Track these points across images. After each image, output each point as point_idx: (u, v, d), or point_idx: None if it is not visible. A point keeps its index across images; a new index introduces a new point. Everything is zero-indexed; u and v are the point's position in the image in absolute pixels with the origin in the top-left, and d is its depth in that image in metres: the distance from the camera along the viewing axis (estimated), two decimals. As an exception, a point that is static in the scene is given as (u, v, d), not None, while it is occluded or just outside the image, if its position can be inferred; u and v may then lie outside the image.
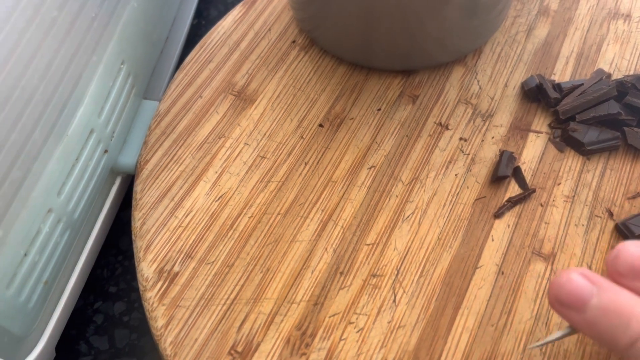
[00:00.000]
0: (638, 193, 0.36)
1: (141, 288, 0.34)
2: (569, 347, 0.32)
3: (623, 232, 0.35)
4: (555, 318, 0.32)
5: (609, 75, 0.42)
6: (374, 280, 0.34)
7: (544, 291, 0.33)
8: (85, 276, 0.40)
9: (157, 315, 0.33)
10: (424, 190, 0.37)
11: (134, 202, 0.38)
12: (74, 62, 0.35)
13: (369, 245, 0.35)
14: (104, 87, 0.38)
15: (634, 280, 0.25)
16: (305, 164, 0.39)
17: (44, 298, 0.35)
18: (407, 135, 0.40)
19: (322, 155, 0.39)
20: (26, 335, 0.34)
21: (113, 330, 0.43)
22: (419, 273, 0.34)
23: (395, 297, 0.33)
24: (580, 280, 0.25)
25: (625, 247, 0.25)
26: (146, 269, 0.35)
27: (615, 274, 0.25)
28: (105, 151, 0.39)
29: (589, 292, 0.24)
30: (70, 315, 0.40)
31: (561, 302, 0.25)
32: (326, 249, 0.35)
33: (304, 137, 0.40)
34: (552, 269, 0.34)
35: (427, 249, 0.35)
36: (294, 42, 0.45)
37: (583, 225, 0.36)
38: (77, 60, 0.35)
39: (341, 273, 0.34)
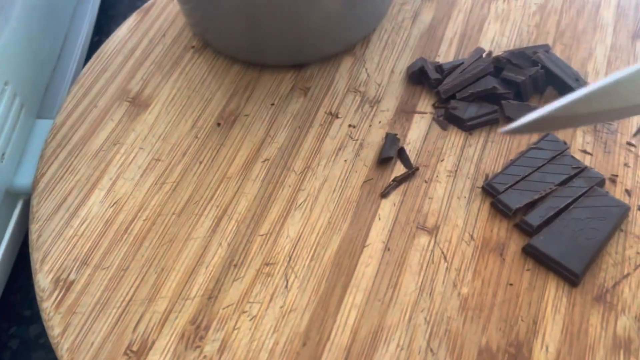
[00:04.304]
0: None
1: (38, 299, 0.35)
2: (451, 314, 0.33)
3: (489, 192, 0.37)
4: (439, 287, 0.34)
5: (490, 53, 0.44)
6: (267, 268, 0.35)
7: (427, 263, 0.35)
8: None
9: (54, 324, 0.33)
10: (316, 178, 0.39)
11: (30, 216, 0.38)
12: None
13: (262, 235, 0.36)
14: (-12, 109, 0.38)
15: None
16: (200, 162, 0.40)
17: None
18: (299, 127, 0.41)
19: (216, 152, 0.40)
20: None
21: (30, 354, 0.43)
22: (310, 257, 0.35)
23: (287, 282, 0.35)
24: None
25: None
26: (42, 280, 0.35)
27: None
28: (-5, 174, 0.39)
29: None
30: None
31: None
32: (220, 244, 0.36)
33: (198, 136, 0.41)
34: (435, 242, 0.36)
35: (318, 233, 0.36)
36: (192, 47, 0.46)
37: (465, 197, 0.38)
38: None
39: (235, 265, 0.35)
